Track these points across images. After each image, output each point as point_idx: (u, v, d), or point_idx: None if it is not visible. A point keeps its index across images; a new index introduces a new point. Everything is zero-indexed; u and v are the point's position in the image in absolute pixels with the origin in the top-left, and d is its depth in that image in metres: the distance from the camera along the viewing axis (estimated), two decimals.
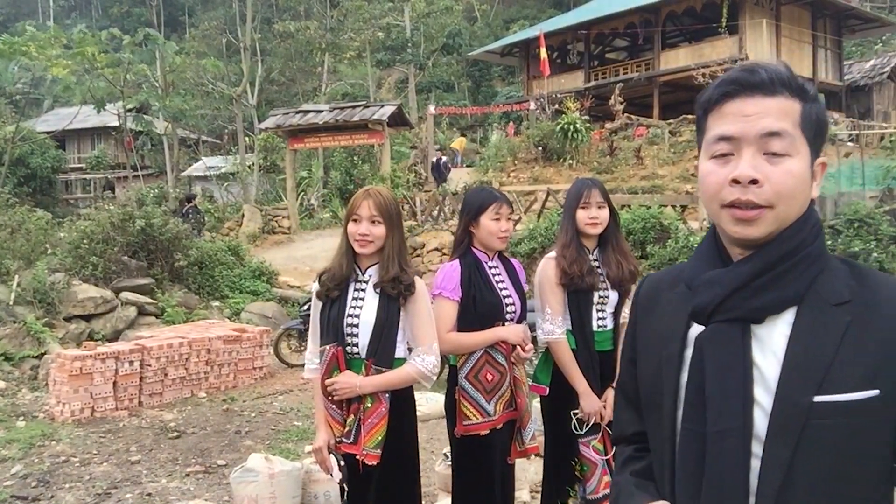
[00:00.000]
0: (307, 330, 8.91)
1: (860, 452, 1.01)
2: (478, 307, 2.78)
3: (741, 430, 1.03)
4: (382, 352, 2.45)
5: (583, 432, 2.91)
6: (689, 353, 1.12)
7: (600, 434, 2.93)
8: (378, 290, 2.47)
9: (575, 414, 2.90)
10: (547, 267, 2.97)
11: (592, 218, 2.91)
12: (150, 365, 6.73)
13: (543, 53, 22.90)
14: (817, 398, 1.00)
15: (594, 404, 2.87)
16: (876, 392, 1.00)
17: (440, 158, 20.42)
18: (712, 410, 1.05)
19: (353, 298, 2.51)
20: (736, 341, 1.06)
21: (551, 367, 2.98)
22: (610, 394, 2.90)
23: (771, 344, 1.06)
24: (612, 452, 2.96)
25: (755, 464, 1.03)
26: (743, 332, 1.07)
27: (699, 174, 1.14)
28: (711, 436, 1.05)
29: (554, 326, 2.92)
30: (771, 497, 1.01)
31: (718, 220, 1.10)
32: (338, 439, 2.50)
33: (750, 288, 1.06)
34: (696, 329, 1.13)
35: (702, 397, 1.07)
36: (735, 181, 1.05)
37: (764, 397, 1.04)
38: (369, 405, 2.43)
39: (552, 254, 3.00)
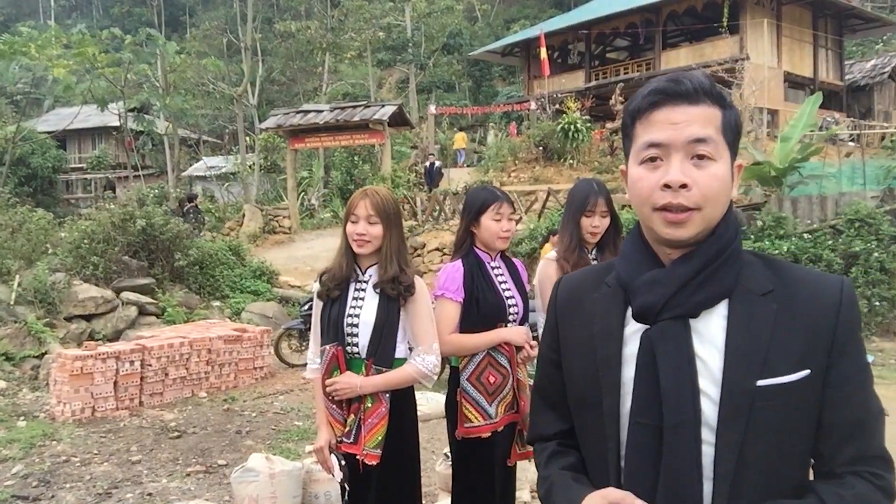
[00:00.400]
0: (307, 330, 8.93)
1: (797, 428, 1.10)
2: (481, 308, 2.76)
3: (693, 420, 1.09)
4: (382, 352, 2.45)
5: None
6: (628, 350, 1.18)
7: None
8: (378, 291, 2.47)
9: None
10: (548, 268, 2.97)
11: (595, 227, 2.94)
12: (150, 365, 6.73)
13: (543, 53, 22.89)
14: (760, 382, 1.08)
15: None
16: (807, 372, 1.09)
17: (433, 163, 20.34)
18: (669, 404, 1.10)
19: (354, 298, 2.51)
20: (681, 337, 1.12)
21: None
22: None
23: (709, 336, 1.13)
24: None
25: (707, 450, 1.09)
26: (685, 328, 1.13)
27: (629, 179, 1.20)
28: (669, 428, 1.10)
29: None
30: (727, 478, 1.08)
31: (650, 222, 1.16)
32: (338, 439, 2.51)
33: (691, 286, 1.13)
34: (633, 327, 1.18)
35: (655, 392, 1.12)
36: (666, 186, 1.11)
37: (710, 387, 1.10)
38: (369, 405, 2.43)
39: (552, 254, 3.00)
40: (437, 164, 20.52)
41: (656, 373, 1.12)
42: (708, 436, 1.09)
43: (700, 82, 1.14)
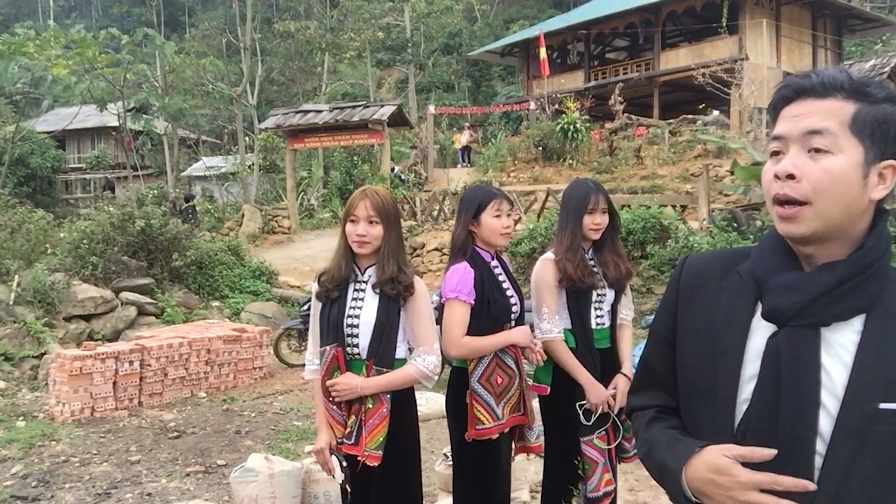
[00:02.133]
0: (307, 330, 8.86)
1: None
2: (492, 310, 2.76)
3: (810, 430, 1.08)
4: (383, 352, 2.44)
5: (591, 423, 2.89)
6: (752, 345, 1.16)
7: (605, 427, 2.91)
8: (377, 291, 2.46)
9: (581, 405, 2.90)
10: (544, 268, 2.96)
11: (597, 224, 2.93)
12: (149, 365, 6.73)
13: (543, 54, 22.90)
14: (883, 405, 1.05)
15: (600, 394, 2.86)
16: None
17: (393, 168, 20.24)
18: (785, 418, 1.09)
19: (353, 299, 2.49)
20: (810, 347, 1.10)
21: (552, 366, 2.97)
22: (620, 380, 2.91)
23: (838, 349, 1.10)
24: (615, 443, 2.96)
25: (818, 461, 1.08)
26: (816, 338, 1.10)
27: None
28: (782, 441, 1.09)
29: (551, 325, 2.92)
30: (830, 494, 1.07)
31: (773, 216, 1.16)
32: (339, 440, 2.50)
33: (829, 296, 1.10)
34: (758, 322, 1.16)
35: (776, 399, 1.10)
36: (777, 177, 1.12)
37: (830, 400, 1.08)
38: (370, 406, 2.42)
39: (549, 255, 2.98)
40: (396, 169, 20.52)
41: (778, 381, 1.10)
42: (820, 447, 1.08)
43: (830, 77, 1.13)
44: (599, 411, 2.87)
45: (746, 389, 1.15)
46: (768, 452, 1.08)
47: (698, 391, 1.22)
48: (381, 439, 2.40)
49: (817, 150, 1.09)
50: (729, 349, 1.17)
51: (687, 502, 1.18)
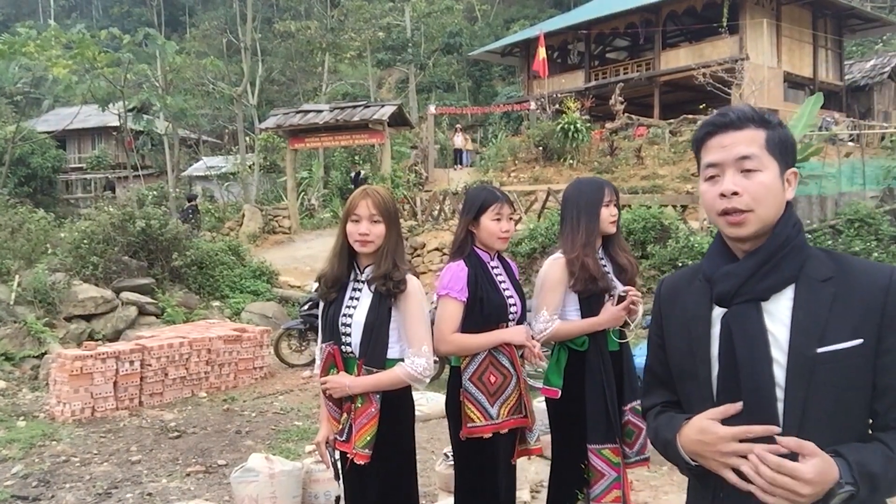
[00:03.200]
0: (307, 330, 8.88)
1: (854, 387, 1.34)
2: (485, 309, 2.75)
3: (768, 382, 1.35)
4: (373, 352, 2.43)
5: (635, 322, 2.95)
6: (714, 330, 1.45)
7: (615, 443, 2.88)
8: (372, 289, 2.46)
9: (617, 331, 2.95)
10: (552, 268, 2.94)
11: (614, 216, 2.94)
12: (150, 365, 6.73)
13: (542, 54, 22.88)
14: (819, 349, 1.33)
15: (615, 312, 2.87)
16: (860, 340, 1.33)
17: (359, 172, 20.17)
18: (744, 373, 1.37)
19: (350, 298, 2.50)
20: (753, 317, 1.39)
21: (563, 369, 2.94)
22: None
23: (778, 314, 1.39)
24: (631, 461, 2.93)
25: (779, 406, 1.35)
26: (757, 309, 1.39)
27: (700, 193, 1.50)
28: (747, 393, 1.36)
29: (546, 325, 2.90)
30: (794, 427, 1.32)
31: (718, 225, 1.45)
32: (334, 436, 2.52)
33: (757, 275, 1.40)
34: (717, 311, 1.45)
35: (734, 362, 1.39)
36: (722, 195, 1.41)
37: (779, 355, 1.36)
38: (359, 405, 2.42)
39: (558, 254, 2.96)
40: (363, 173, 20.47)
41: (732, 348, 1.39)
42: (779, 394, 1.35)
43: (743, 112, 1.43)
44: (640, 314, 2.92)
45: (717, 366, 1.43)
46: (735, 407, 1.36)
47: (685, 376, 1.52)
48: (369, 439, 2.39)
49: (749, 171, 1.39)
50: (699, 337, 1.47)
51: (687, 465, 1.45)
